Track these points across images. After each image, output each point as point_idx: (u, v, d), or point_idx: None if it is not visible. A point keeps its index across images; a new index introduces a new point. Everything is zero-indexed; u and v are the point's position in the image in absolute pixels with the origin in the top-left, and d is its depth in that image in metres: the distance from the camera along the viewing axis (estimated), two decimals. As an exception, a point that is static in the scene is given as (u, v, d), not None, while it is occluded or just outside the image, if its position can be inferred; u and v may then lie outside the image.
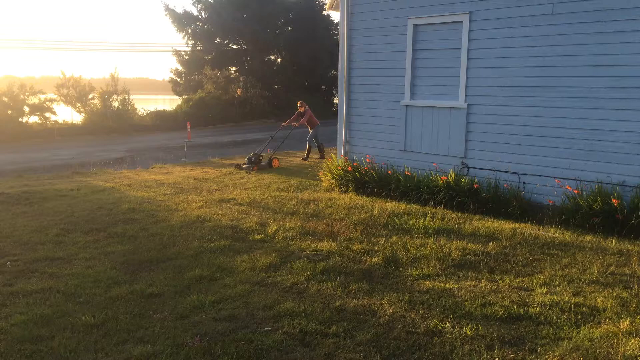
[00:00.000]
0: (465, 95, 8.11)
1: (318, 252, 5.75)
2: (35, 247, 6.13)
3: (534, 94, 7.47)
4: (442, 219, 7.05)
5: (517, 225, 6.79)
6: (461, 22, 8.02)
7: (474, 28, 7.92)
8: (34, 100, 23.74)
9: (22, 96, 23.18)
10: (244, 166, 12.39)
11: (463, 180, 7.83)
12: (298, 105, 14.83)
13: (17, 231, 6.78)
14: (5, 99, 22.60)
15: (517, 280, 4.93)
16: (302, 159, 14.19)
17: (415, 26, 8.61)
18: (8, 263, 5.54)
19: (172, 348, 3.68)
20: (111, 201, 8.61)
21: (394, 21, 8.88)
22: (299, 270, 5.20)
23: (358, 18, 9.41)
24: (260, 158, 12.59)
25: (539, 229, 6.62)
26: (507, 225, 6.75)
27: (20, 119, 23.25)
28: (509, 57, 7.64)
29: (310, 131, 14.58)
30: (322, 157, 14.36)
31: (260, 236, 6.43)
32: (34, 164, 14.99)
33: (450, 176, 7.92)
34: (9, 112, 22.72)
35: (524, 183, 7.60)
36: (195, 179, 10.98)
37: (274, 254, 5.68)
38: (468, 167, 8.15)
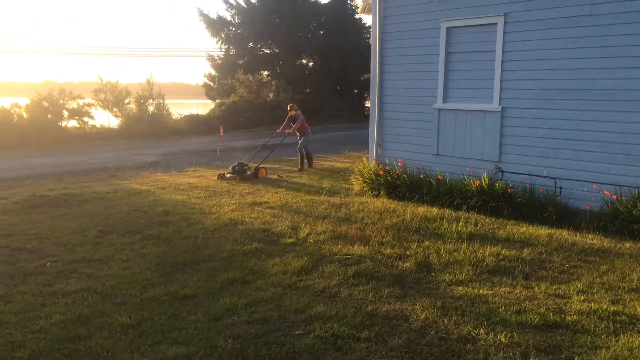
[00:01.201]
0: (500, 98, 7.99)
1: (349, 256, 5.74)
2: (74, 248, 6.29)
3: (571, 97, 7.31)
4: (476, 224, 6.95)
5: (553, 231, 6.65)
6: (495, 24, 7.92)
7: (508, 30, 7.81)
8: (72, 105, 24.39)
9: (61, 101, 23.86)
10: (227, 175, 11.49)
11: (497, 184, 7.71)
12: (288, 108, 13.28)
13: (56, 232, 6.97)
14: (46, 104, 23.29)
15: (554, 287, 4.83)
16: (298, 170, 12.92)
17: (448, 29, 8.54)
18: (48, 264, 5.70)
19: (205, 349, 3.72)
20: (146, 204, 8.78)
21: (426, 24, 8.82)
22: (330, 274, 5.20)
23: (390, 21, 9.39)
24: (245, 167, 11.64)
25: (576, 235, 6.46)
26: (542, 231, 6.62)
27: (60, 123, 23.91)
28: (544, 59, 7.50)
29: (300, 139, 13.24)
30: (310, 165, 13.29)
31: (291, 240, 6.46)
32: (73, 167, 15.40)
33: (484, 180, 7.81)
34: (49, 116, 23.40)
35: (561, 188, 7.44)
36: (227, 183, 11.10)
37: (305, 258, 5.70)
38: (502, 172, 8.03)
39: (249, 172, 11.62)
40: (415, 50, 9.08)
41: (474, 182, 7.87)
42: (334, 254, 5.83)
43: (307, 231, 6.74)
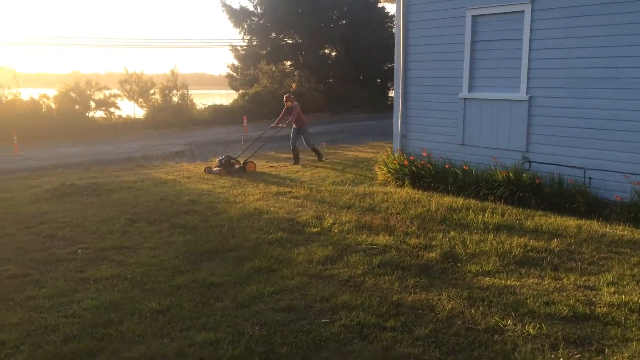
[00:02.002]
0: (527, 87, 7.87)
1: (374, 246, 5.75)
2: (104, 236, 6.42)
3: (600, 86, 7.16)
4: (502, 215, 6.88)
5: (582, 222, 6.55)
6: (523, 11, 7.78)
7: (536, 18, 7.67)
8: (99, 95, 24.72)
9: (88, 92, 24.18)
10: (214, 169, 11.08)
11: (524, 175, 7.61)
12: (284, 99, 12.57)
13: (86, 221, 7.11)
14: (73, 95, 23.64)
15: (583, 279, 4.77)
16: (318, 160, 12.50)
17: (474, 17, 8.43)
18: (79, 250, 5.83)
19: (233, 336, 3.78)
20: (173, 193, 8.89)
21: (451, 12, 8.71)
22: (355, 264, 5.22)
23: (414, 10, 9.29)
24: (233, 161, 11.24)
25: (605, 226, 6.36)
26: (571, 222, 6.52)
27: (87, 114, 24.26)
28: (573, 47, 7.35)
29: (293, 132, 12.47)
30: (296, 162, 12.38)
31: (316, 229, 6.48)
32: (100, 156, 15.65)
33: (511, 171, 7.71)
34: (77, 107, 23.76)
35: (590, 178, 7.31)
36: (252, 172, 11.17)
37: (330, 247, 5.72)
38: (530, 162, 7.92)
39: (236, 166, 11.19)
40: (440, 39, 8.98)
41: (500, 173, 7.79)
42: (359, 244, 5.84)
43: (331, 221, 6.75)
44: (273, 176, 10.57)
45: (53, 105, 23.20)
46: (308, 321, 4.01)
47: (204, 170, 11.30)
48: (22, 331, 3.91)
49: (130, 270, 5.16)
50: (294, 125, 12.41)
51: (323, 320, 4.02)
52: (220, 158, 11.31)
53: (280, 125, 12.30)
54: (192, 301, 4.42)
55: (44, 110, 22.82)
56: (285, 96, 12.72)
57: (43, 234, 6.49)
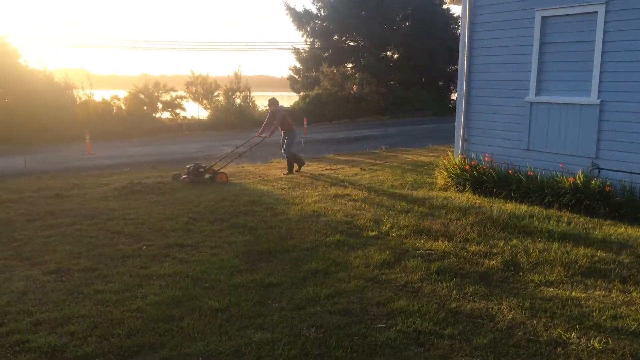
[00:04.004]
0: (599, 92, 7.54)
1: (433, 252, 5.66)
2: (168, 233, 6.64)
3: (680, 90, 6.77)
4: (568, 223, 6.62)
5: (655, 233, 6.21)
6: (596, 12, 7.46)
7: (610, 19, 7.33)
8: (166, 97, 25.66)
9: (156, 93, 25.16)
10: (182, 177, 10.44)
11: (593, 182, 7.29)
12: (267, 104, 11.60)
13: (151, 218, 7.38)
14: (142, 96, 24.65)
15: (655, 294, 4.52)
16: (285, 174, 11.39)
17: (543, 18, 8.15)
18: (144, 247, 6.05)
19: (289, 337, 3.81)
20: (233, 193, 9.09)
21: (520, 13, 8.47)
22: (413, 269, 5.16)
23: (481, 11, 9.09)
24: (201, 170, 10.43)
25: (681, 239, 5.99)
26: (643, 233, 6.19)
27: (154, 115, 25.23)
28: (650, 49, 6.98)
29: (283, 138, 11.57)
30: (299, 169, 11.64)
31: (374, 233, 6.45)
32: (165, 156, 16.21)
33: (579, 177, 7.41)
34: (145, 108, 24.76)
35: (665, 187, 6.92)
36: (310, 174, 11.25)
37: (387, 252, 5.68)
38: (599, 169, 7.58)
39: (207, 176, 10.44)
40: (507, 41, 8.74)
41: (567, 179, 7.50)
42: (417, 249, 5.77)
43: (389, 225, 6.71)
44: (332, 178, 10.61)
45: (123, 106, 24.27)
46: (364, 325, 4.00)
47: (172, 177, 10.74)
48: (90, 323, 4.10)
49: (191, 268, 5.31)
50: (281, 131, 11.58)
51: (379, 325, 4.00)
52: (188, 166, 10.56)
53: (263, 135, 11.40)
54: (250, 301, 4.50)
55: (114, 111, 23.92)
56: (268, 100, 11.72)
57: (111, 230, 6.79)
